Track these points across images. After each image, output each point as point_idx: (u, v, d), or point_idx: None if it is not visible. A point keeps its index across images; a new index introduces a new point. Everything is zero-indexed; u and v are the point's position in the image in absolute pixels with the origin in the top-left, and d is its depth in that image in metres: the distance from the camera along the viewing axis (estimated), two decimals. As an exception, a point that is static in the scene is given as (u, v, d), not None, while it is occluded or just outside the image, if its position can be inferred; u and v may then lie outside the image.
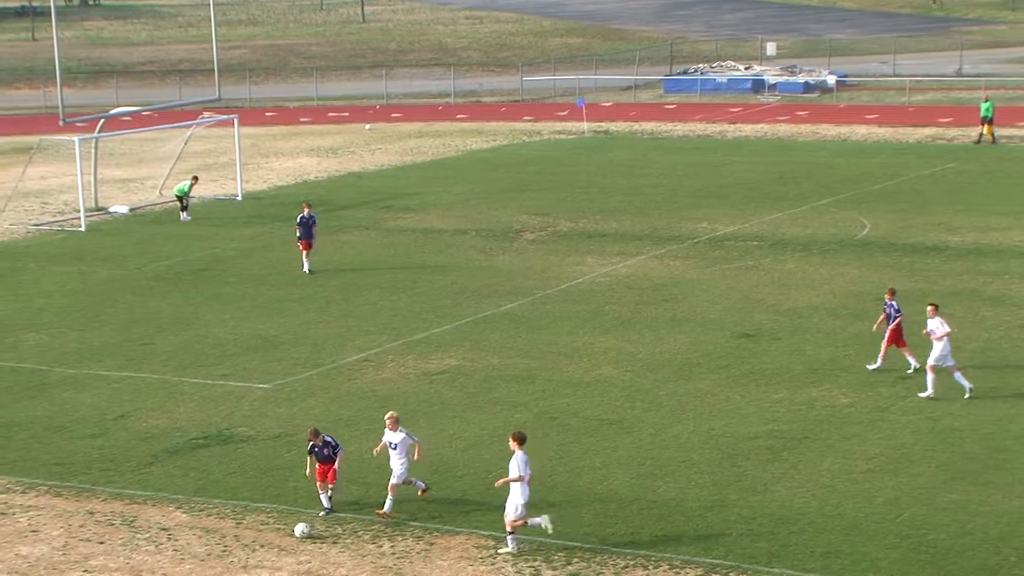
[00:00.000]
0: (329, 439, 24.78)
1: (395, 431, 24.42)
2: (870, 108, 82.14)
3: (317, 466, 24.60)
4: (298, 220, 43.13)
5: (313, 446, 24.70)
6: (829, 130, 73.76)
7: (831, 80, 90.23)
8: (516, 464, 22.94)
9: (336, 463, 24.52)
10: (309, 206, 43.62)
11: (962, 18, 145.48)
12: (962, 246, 44.53)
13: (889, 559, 22.19)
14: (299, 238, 43.03)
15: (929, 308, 30.45)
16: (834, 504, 24.32)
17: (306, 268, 42.81)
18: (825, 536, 23.05)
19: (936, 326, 30.08)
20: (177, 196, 52.90)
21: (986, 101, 68.09)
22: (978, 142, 67.02)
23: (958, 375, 30.01)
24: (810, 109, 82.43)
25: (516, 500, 22.91)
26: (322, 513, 24.47)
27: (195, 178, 54.10)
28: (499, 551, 22.82)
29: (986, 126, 67.15)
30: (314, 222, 43.02)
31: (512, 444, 23.10)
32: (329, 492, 24.56)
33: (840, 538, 22.97)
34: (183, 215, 52.43)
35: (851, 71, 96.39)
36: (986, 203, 51.72)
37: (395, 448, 24.32)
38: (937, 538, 22.90)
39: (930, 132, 72.09)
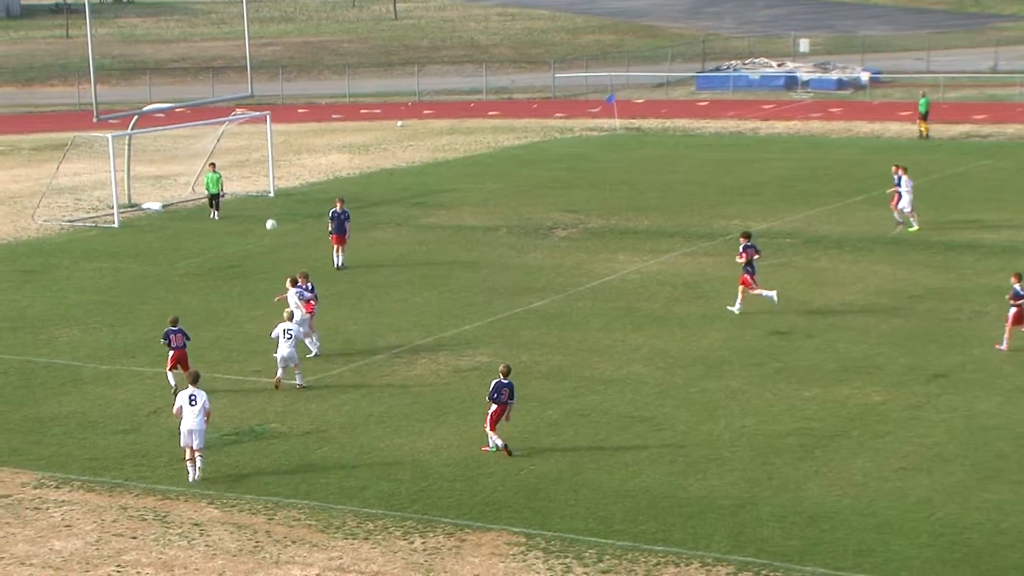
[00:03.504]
0: (181, 329, 30.89)
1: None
2: (904, 105, 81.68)
3: (172, 353, 30.73)
4: (330, 214, 43.25)
5: (168, 332, 30.75)
6: (862, 127, 73.49)
7: (864, 77, 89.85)
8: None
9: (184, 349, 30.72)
10: (342, 201, 43.74)
11: (998, 14, 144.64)
12: (997, 244, 44.27)
13: (922, 558, 22.09)
14: (330, 232, 43.22)
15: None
16: (867, 502, 24.22)
17: (338, 263, 42.93)
18: (858, 534, 22.96)
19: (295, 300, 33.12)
20: (211, 195, 52.61)
21: (923, 97, 69.54)
22: (921, 137, 68.08)
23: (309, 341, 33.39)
24: (843, 106, 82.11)
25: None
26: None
27: (212, 165, 53.76)
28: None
29: (923, 122, 68.36)
30: (347, 217, 43.17)
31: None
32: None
33: (873, 536, 22.88)
34: (213, 214, 52.18)
35: (885, 68, 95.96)
36: (1021, 200, 51.39)
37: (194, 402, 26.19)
38: (971, 537, 22.78)
39: (964, 129, 71.72)
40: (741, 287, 36.65)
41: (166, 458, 27.23)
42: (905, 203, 46.58)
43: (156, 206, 55.31)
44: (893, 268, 41.38)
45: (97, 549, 23.21)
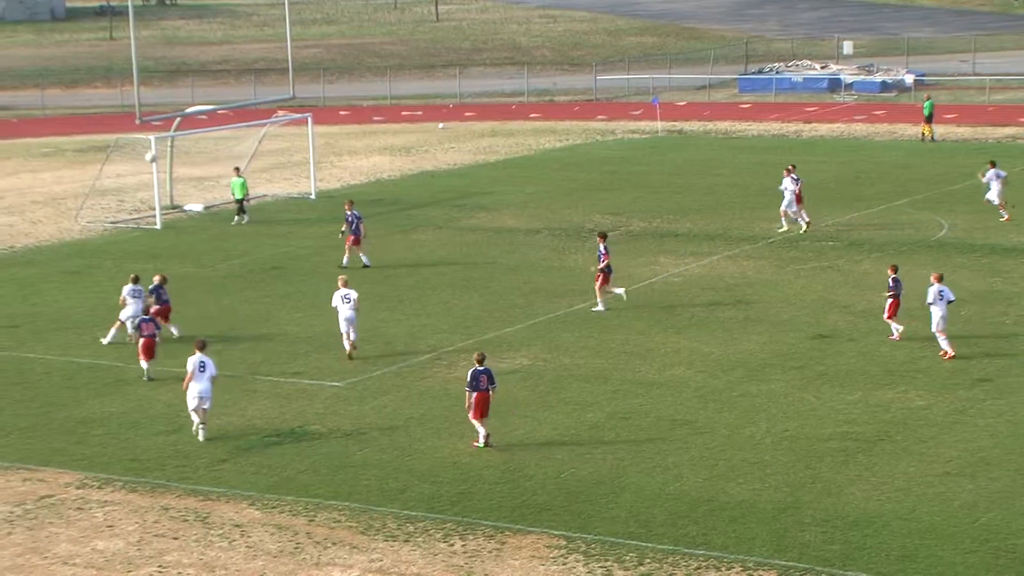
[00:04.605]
0: (153, 318, 32.70)
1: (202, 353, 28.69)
2: (949, 107, 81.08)
3: (142, 341, 32.18)
4: (347, 217, 43.89)
5: (142, 320, 32.51)
6: (906, 130, 73.01)
7: (909, 79, 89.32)
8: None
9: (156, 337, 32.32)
10: (352, 203, 44.54)
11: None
12: (1042, 247, 43.92)
13: (966, 563, 21.90)
14: (349, 234, 43.86)
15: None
16: (909, 507, 24.04)
17: (360, 262, 43.19)
18: (900, 539, 22.80)
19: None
20: (237, 200, 51.85)
21: (928, 100, 69.76)
22: (923, 140, 68.08)
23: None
24: (887, 108, 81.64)
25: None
26: (145, 379, 32.23)
27: (236, 169, 53.09)
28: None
29: (926, 124, 68.39)
30: (360, 218, 43.90)
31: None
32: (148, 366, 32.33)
33: (916, 542, 22.70)
34: (240, 218, 51.55)
35: (929, 70, 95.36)
36: (1067, 203, 50.92)
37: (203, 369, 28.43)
38: (1016, 543, 22.57)
39: (1010, 132, 71.21)
40: (598, 287, 37.74)
41: (207, 459, 27.33)
42: (785, 203, 47.25)
43: (198, 208, 55.54)
44: (937, 271, 40.98)
45: (139, 549, 23.30)
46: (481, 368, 27.33)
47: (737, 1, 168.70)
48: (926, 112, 68.76)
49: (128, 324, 35.10)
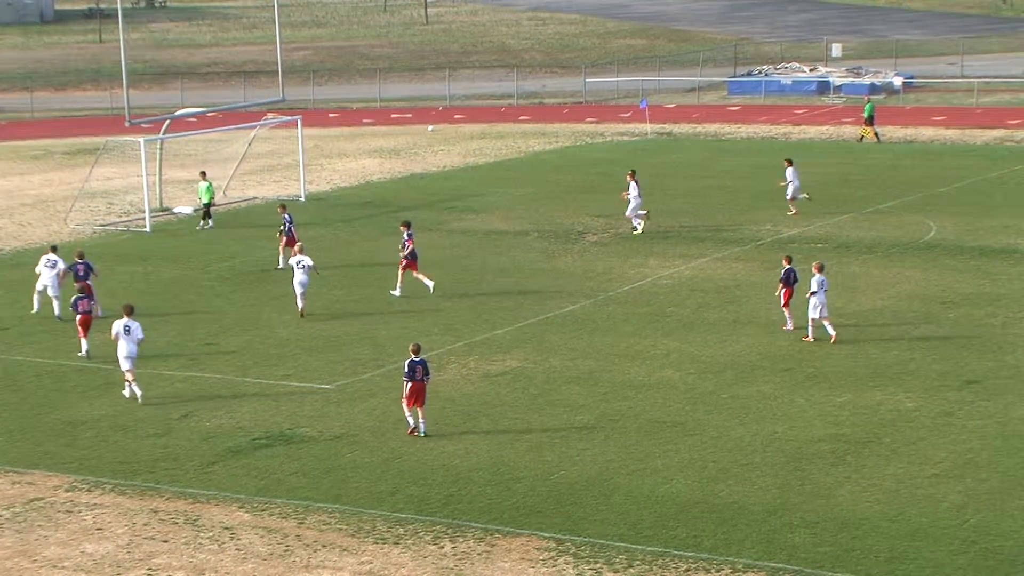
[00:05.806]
0: (87, 296, 34.60)
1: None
2: (937, 110, 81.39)
3: (79, 318, 34.07)
4: (289, 219, 44.28)
5: (77, 299, 34.35)
6: (895, 132, 73.14)
7: (897, 82, 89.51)
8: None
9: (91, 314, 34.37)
10: (284, 207, 45.24)
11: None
12: (1030, 249, 44.01)
13: (955, 565, 21.95)
14: (285, 235, 44.05)
15: None
16: (898, 509, 24.09)
17: (281, 264, 43.48)
18: (889, 541, 22.84)
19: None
20: (204, 204, 51.43)
21: (868, 103, 70.90)
22: (860, 140, 68.87)
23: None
24: (876, 111, 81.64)
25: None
26: (80, 353, 34.29)
27: (203, 174, 52.58)
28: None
29: (867, 127, 69.25)
30: (291, 222, 44.51)
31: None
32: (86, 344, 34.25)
33: (905, 543, 22.75)
34: (205, 223, 51.38)
35: (918, 72, 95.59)
36: (1055, 206, 51.10)
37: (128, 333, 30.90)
38: (1004, 544, 22.62)
39: (998, 134, 71.36)
40: (407, 271, 39.69)
41: (197, 462, 27.31)
42: (629, 209, 48.30)
43: (187, 210, 55.48)
44: (926, 273, 41.18)
45: (128, 552, 23.28)
46: (417, 359, 28.04)
47: (727, 4, 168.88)
48: (866, 115, 69.22)
49: (39, 295, 38.27)
